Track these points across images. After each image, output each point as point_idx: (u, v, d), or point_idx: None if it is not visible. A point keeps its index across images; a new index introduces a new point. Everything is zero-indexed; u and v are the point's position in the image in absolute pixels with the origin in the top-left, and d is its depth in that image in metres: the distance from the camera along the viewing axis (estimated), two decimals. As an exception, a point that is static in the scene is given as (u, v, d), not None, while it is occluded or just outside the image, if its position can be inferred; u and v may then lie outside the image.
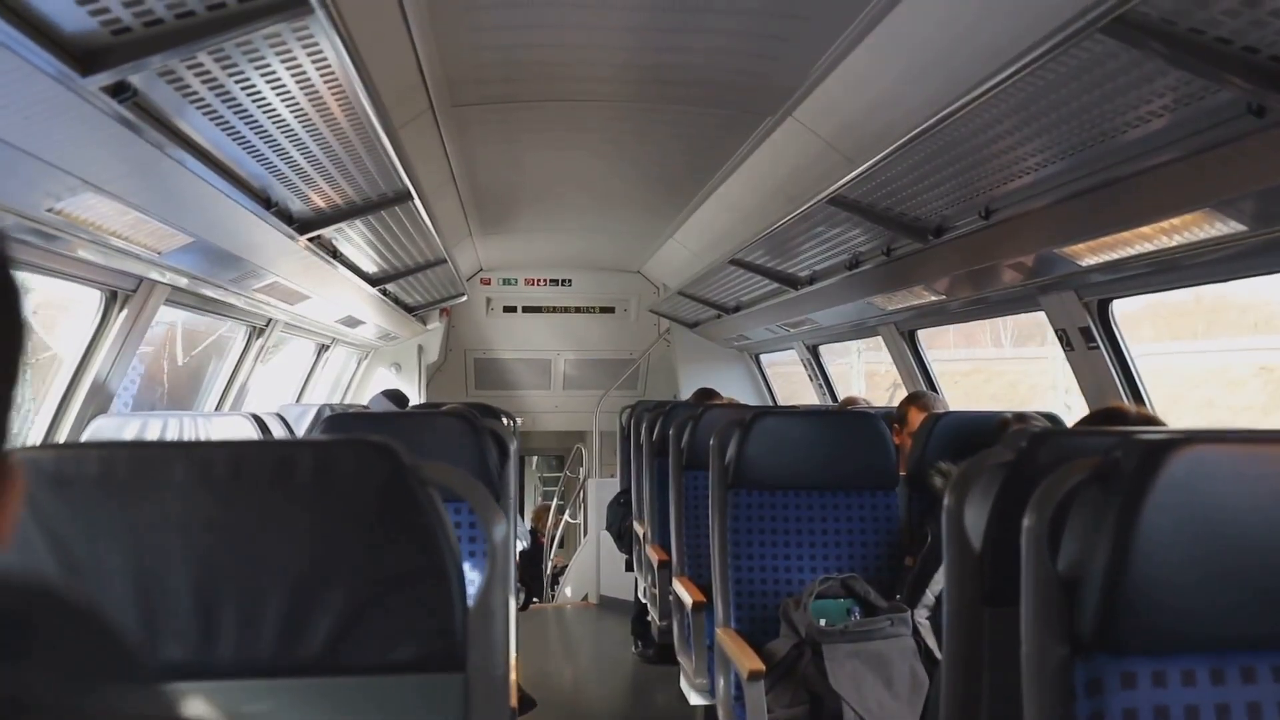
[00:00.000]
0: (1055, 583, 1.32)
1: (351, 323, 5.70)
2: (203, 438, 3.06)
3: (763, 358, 8.20)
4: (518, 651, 2.95)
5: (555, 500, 10.93)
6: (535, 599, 8.35)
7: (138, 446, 1.25)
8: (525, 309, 8.60)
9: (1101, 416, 2.20)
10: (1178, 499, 1.25)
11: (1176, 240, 2.46)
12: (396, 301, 5.85)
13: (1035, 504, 1.36)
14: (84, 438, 3.04)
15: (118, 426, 3.04)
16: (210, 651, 1.18)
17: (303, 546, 1.20)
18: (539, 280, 8.57)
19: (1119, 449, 1.31)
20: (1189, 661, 1.28)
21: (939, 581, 2.91)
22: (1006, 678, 1.48)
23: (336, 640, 1.20)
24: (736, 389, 7.77)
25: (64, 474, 1.16)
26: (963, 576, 1.61)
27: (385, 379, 7.82)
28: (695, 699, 3.64)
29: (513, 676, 2.57)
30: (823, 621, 2.94)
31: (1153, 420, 2.14)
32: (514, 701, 2.39)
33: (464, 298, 7.08)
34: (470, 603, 1.25)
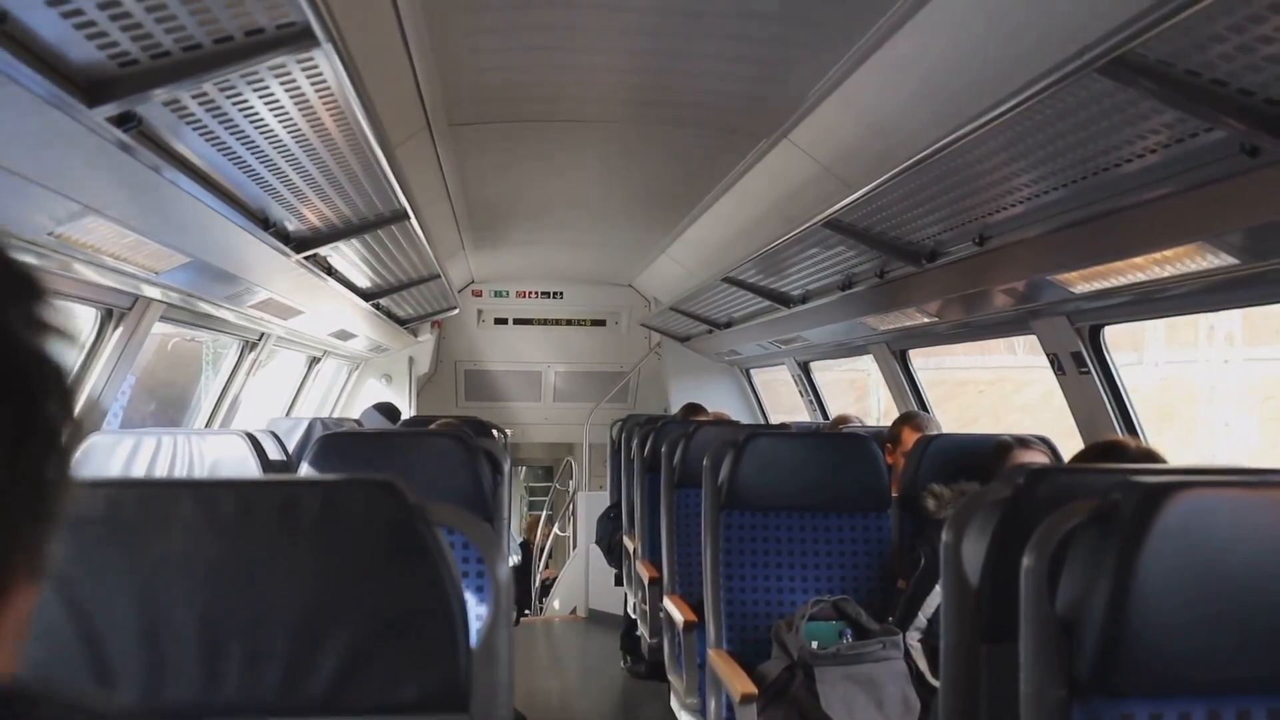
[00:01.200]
0: (1054, 624, 1.34)
1: (344, 336, 5.69)
2: (196, 456, 3.05)
3: (752, 370, 8.22)
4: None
5: (545, 511, 10.92)
6: (527, 611, 8.35)
7: (144, 485, 1.25)
8: (516, 321, 8.60)
9: (1101, 450, 2.21)
10: (1176, 544, 1.26)
11: (1169, 271, 2.48)
12: (388, 315, 5.85)
13: (1034, 545, 1.37)
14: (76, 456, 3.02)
15: (111, 444, 3.03)
16: (215, 691, 1.18)
17: (308, 586, 1.20)
18: (530, 292, 8.57)
19: (1117, 491, 1.32)
20: (1186, 704, 1.29)
21: (932, 604, 2.92)
22: (1004, 715, 1.49)
23: (341, 680, 1.21)
24: (727, 403, 7.78)
25: (70, 513, 1.16)
26: (961, 613, 1.62)
27: (376, 390, 7.80)
28: (686, 718, 3.64)
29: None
30: (815, 644, 2.95)
31: (1152, 456, 2.15)
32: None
33: (456, 310, 7.09)
34: (474, 642, 1.26)
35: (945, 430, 3.81)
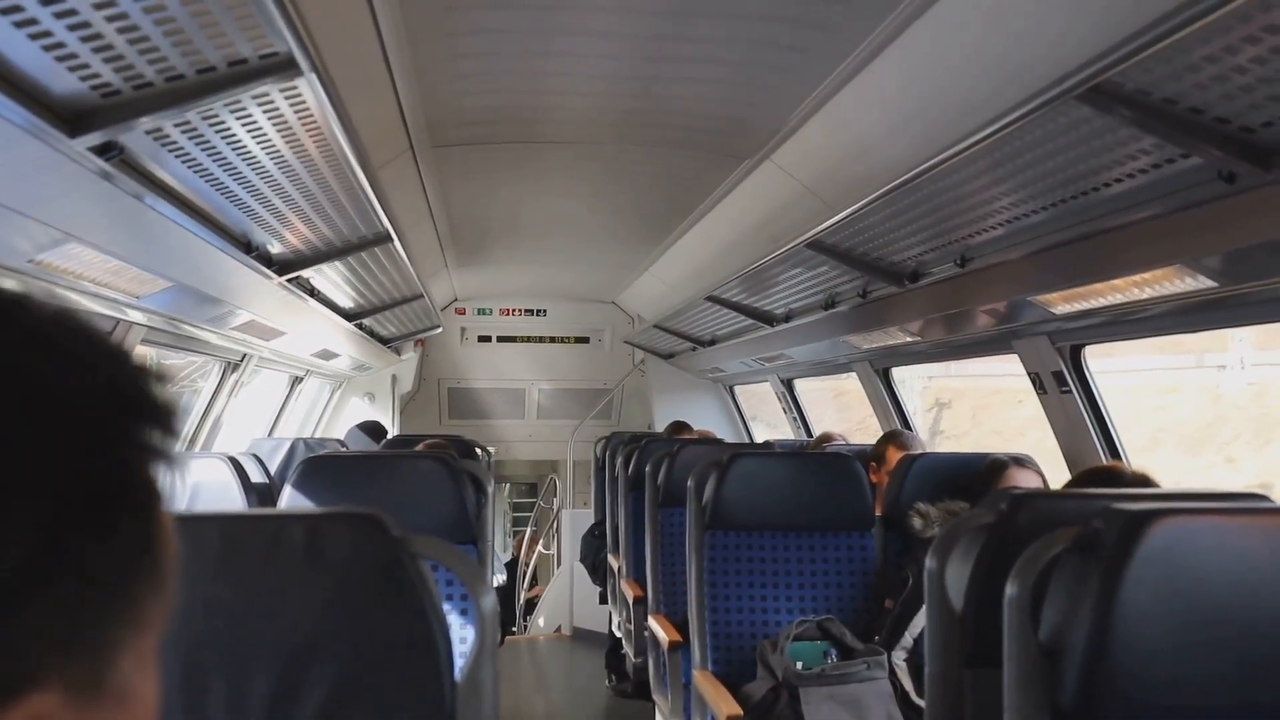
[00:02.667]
0: (1037, 652, 1.34)
1: (326, 355, 5.67)
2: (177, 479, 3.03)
3: (736, 387, 8.24)
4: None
5: (529, 528, 10.89)
6: (512, 630, 8.31)
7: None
8: (500, 339, 8.59)
9: (1095, 476, 2.21)
10: (1158, 571, 1.27)
11: (1148, 293, 2.50)
12: (371, 334, 5.83)
13: (1017, 573, 1.38)
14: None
15: (91, 468, 3.01)
16: (198, 728, 1.18)
17: (293, 620, 1.20)
18: (514, 310, 8.57)
19: (1099, 518, 1.33)
20: (1169, 731, 1.30)
21: (919, 623, 2.93)
22: (988, 740, 1.50)
23: (326, 715, 1.20)
24: (711, 420, 7.78)
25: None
26: (945, 638, 1.63)
27: (359, 409, 7.77)
28: (671, 739, 3.63)
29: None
30: (799, 664, 2.95)
31: (1147, 481, 2.15)
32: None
33: (439, 329, 7.07)
34: (458, 675, 1.25)
35: (984, 448, 3.78)
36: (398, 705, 1.21)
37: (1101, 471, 2.20)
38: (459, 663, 1.27)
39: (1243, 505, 1.38)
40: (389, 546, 1.21)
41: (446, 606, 2.31)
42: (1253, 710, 1.29)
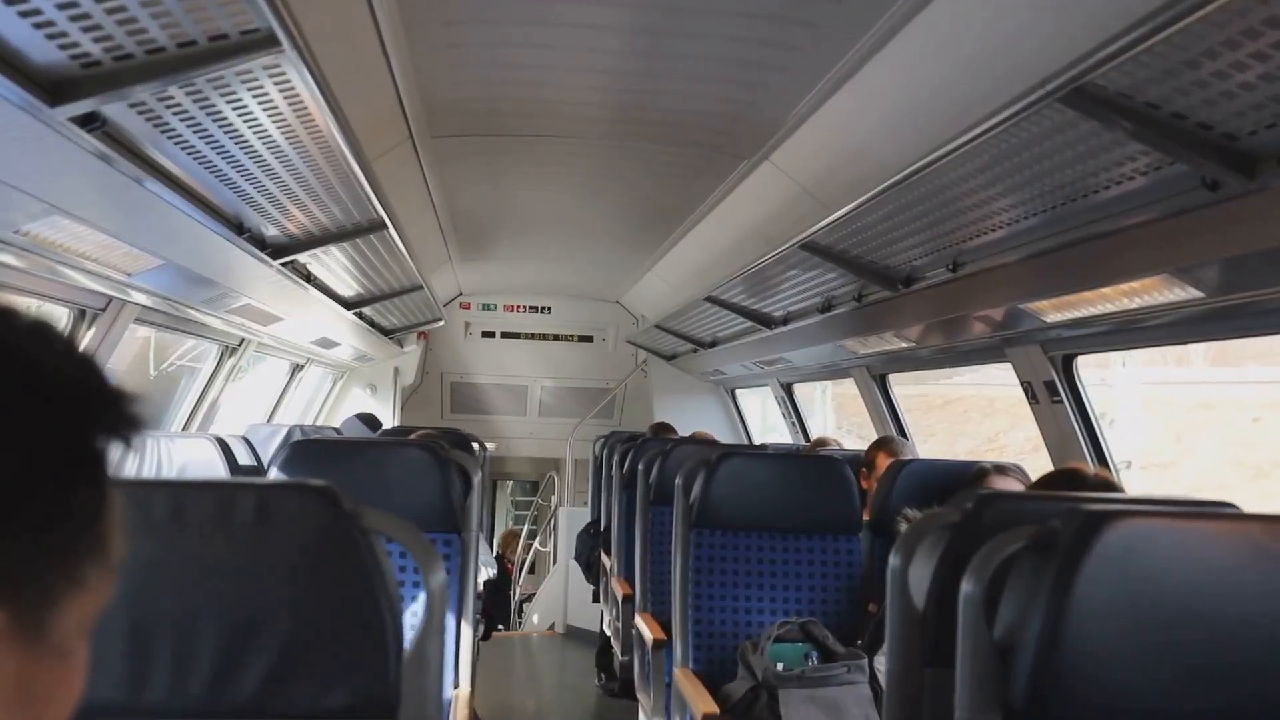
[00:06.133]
0: (990, 649, 1.34)
1: (326, 344, 5.69)
2: (164, 458, 3.04)
3: (737, 390, 8.23)
4: (476, 681, 2.94)
5: (526, 526, 10.89)
6: (501, 627, 8.32)
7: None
8: (504, 334, 8.60)
9: (1060, 478, 2.20)
10: (1112, 571, 1.26)
11: (1138, 302, 2.49)
12: (372, 325, 5.84)
13: (973, 570, 1.37)
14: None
15: (79, 445, 3.02)
16: (141, 692, 1.18)
17: (239, 588, 1.20)
18: (518, 306, 8.58)
19: (1058, 518, 1.33)
20: (1119, 733, 1.29)
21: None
22: (944, 739, 1.49)
23: (269, 683, 1.20)
24: (712, 424, 7.78)
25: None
26: (905, 637, 1.62)
27: (360, 400, 7.80)
28: (653, 736, 3.63)
29: (464, 712, 2.57)
30: (779, 665, 2.94)
31: (1110, 485, 2.15)
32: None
33: (441, 323, 7.09)
34: (406, 649, 1.26)
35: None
36: (342, 677, 1.22)
37: (1064, 474, 2.19)
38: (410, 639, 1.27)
39: (1200, 510, 1.37)
40: (339, 519, 1.21)
41: (406, 586, 2.32)
42: (1203, 716, 1.28)
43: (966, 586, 1.36)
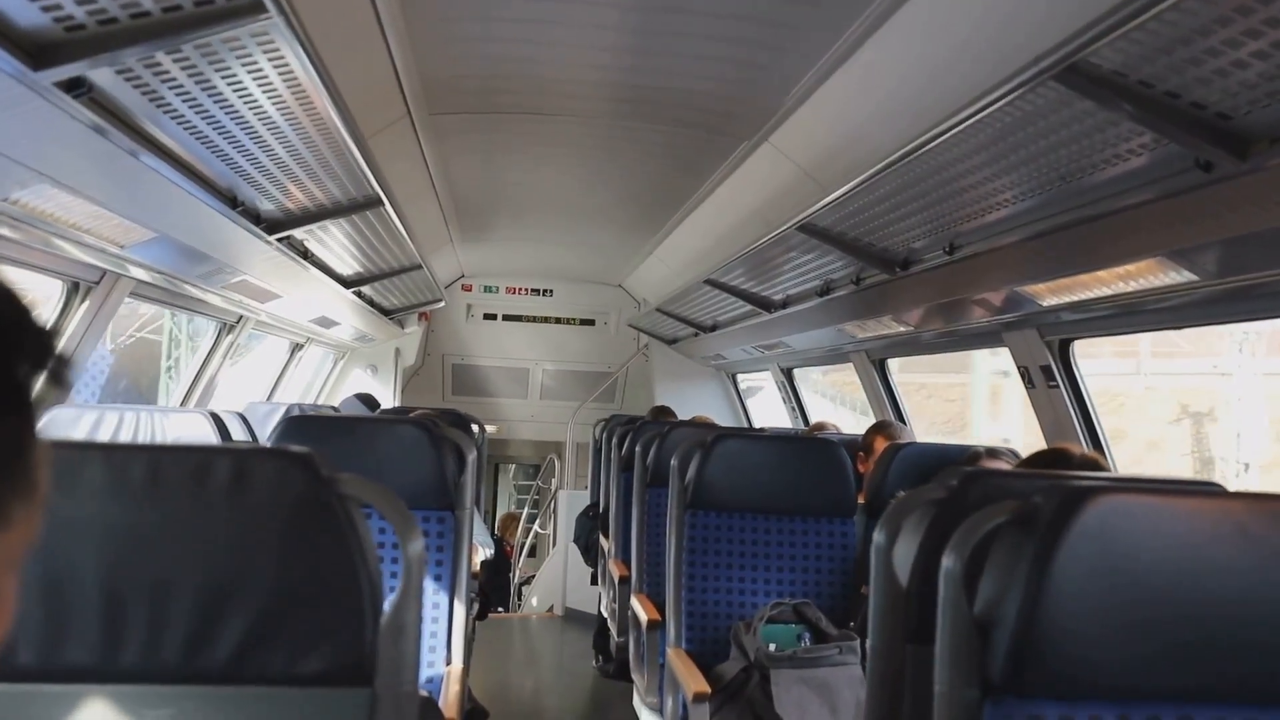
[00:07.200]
0: (970, 624, 1.33)
1: (326, 323, 5.69)
2: (158, 433, 3.04)
3: (739, 375, 8.22)
4: (470, 660, 2.94)
5: (526, 509, 10.91)
6: (500, 608, 8.33)
7: (53, 445, 1.24)
8: (505, 317, 8.59)
9: (1047, 458, 2.21)
10: (1092, 548, 1.26)
11: (1133, 286, 2.48)
12: (371, 304, 5.84)
13: (954, 545, 1.37)
14: (39, 428, 3.00)
15: (73, 418, 3.02)
16: (115, 655, 1.18)
17: (215, 554, 1.20)
18: (520, 289, 8.57)
19: (1040, 494, 1.32)
20: (1096, 708, 1.29)
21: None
22: (927, 716, 1.48)
23: (244, 649, 1.20)
24: (713, 408, 7.77)
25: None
26: (889, 612, 1.62)
27: (361, 380, 7.80)
28: (646, 716, 3.63)
29: (455, 688, 2.58)
30: (772, 646, 2.94)
31: (1096, 464, 2.15)
32: (455, 713, 2.39)
33: (441, 304, 7.09)
34: (385, 615, 1.25)
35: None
36: (318, 643, 1.22)
37: (1051, 453, 2.19)
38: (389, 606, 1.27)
39: (1182, 488, 1.36)
40: (316, 485, 1.21)
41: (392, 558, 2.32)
42: (1180, 694, 1.28)
43: (947, 562, 1.35)
